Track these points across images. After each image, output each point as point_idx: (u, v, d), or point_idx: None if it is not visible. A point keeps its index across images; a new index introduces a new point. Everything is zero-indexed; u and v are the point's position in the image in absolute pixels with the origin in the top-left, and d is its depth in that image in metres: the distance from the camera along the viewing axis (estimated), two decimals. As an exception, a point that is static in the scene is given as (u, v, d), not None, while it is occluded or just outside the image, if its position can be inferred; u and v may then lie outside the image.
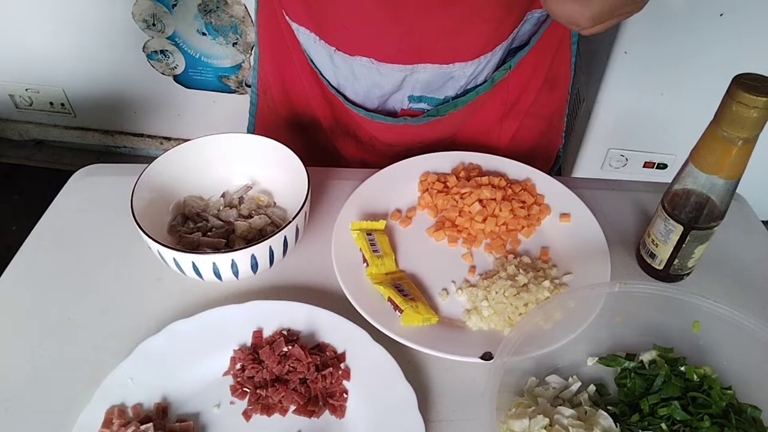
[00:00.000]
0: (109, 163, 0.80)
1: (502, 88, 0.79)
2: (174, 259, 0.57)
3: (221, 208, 0.70)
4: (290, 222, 0.60)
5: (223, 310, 0.58)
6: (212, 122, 1.95)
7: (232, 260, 0.58)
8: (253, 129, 0.91)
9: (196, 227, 0.67)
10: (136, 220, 0.58)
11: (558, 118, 0.88)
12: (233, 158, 0.72)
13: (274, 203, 0.72)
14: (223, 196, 0.72)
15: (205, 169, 0.71)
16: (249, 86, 0.92)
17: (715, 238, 0.61)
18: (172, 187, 0.69)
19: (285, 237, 0.60)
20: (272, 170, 0.71)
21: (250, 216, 0.70)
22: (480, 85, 0.76)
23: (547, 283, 0.62)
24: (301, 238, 0.65)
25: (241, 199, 0.72)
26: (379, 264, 0.64)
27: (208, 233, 0.67)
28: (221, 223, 0.68)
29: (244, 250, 0.57)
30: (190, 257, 0.57)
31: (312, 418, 0.53)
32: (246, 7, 1.64)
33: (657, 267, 0.65)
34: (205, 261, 0.57)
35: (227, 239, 0.67)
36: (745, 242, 0.72)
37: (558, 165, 0.94)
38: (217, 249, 0.64)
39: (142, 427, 0.50)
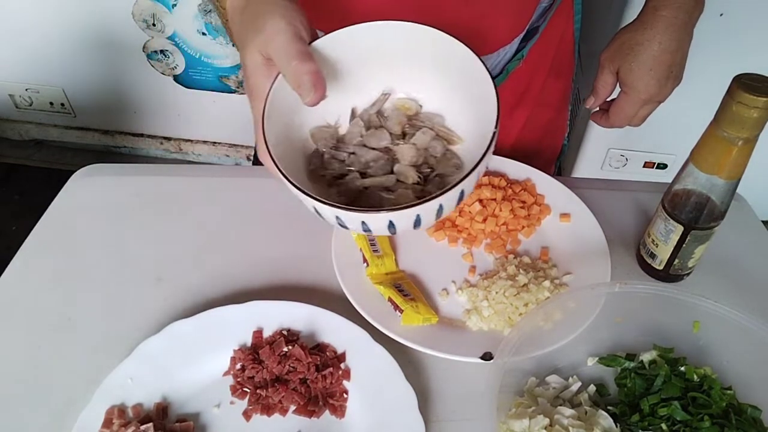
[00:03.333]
0: (109, 163, 0.80)
1: (512, 79, 0.80)
2: (363, 222, 0.45)
3: (363, 133, 0.53)
4: (493, 137, 0.44)
5: (223, 310, 0.58)
6: (212, 122, 1.95)
7: (417, 216, 0.44)
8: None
9: (345, 166, 0.52)
10: (294, 185, 0.44)
11: (564, 106, 0.89)
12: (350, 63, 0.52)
13: (420, 109, 0.55)
14: (352, 114, 0.55)
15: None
16: None
17: (715, 238, 0.61)
18: (291, 122, 0.51)
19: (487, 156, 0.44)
20: (406, 68, 0.53)
21: (404, 135, 0.53)
22: (495, 77, 0.77)
23: (547, 283, 0.62)
24: (301, 238, 0.65)
25: (380, 114, 0.54)
26: (379, 264, 0.64)
27: (368, 170, 0.51)
28: (377, 152, 0.52)
29: (453, 189, 0.43)
30: (385, 216, 0.43)
31: (312, 418, 0.53)
32: (246, 7, 1.64)
33: (657, 267, 0.65)
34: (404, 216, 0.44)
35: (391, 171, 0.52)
36: (745, 242, 0.72)
37: (564, 153, 0.95)
38: (388, 189, 0.50)
39: (142, 427, 0.50)
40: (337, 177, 0.51)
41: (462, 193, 0.45)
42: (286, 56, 0.44)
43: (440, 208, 0.45)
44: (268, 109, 0.47)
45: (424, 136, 0.52)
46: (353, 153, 0.52)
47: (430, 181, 0.52)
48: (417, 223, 0.45)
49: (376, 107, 0.54)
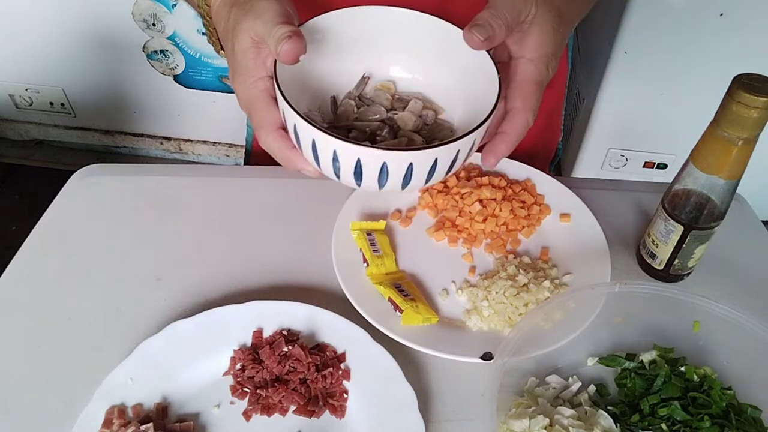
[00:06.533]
0: (109, 163, 0.80)
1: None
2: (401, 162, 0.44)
3: (355, 110, 0.53)
4: (497, 99, 0.46)
5: (223, 310, 0.58)
6: (212, 122, 1.95)
7: (436, 159, 0.45)
8: (252, 140, 0.91)
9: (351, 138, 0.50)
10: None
11: (556, 113, 0.89)
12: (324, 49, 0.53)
13: (396, 88, 0.56)
14: (334, 102, 0.54)
15: (302, 73, 0.51)
16: None
17: (715, 238, 0.61)
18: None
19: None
20: (384, 50, 0.54)
21: (393, 109, 0.54)
22: None
23: (547, 283, 0.62)
24: (301, 238, 0.65)
25: (363, 97, 0.55)
26: (379, 264, 0.64)
27: (377, 138, 0.51)
28: (378, 123, 0.52)
29: (466, 137, 0.44)
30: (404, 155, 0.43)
31: (312, 418, 0.53)
32: (246, 7, 1.64)
33: (657, 267, 0.65)
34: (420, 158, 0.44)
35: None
36: (745, 242, 0.72)
37: (558, 158, 0.94)
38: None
39: (142, 427, 0.50)
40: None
41: (471, 148, 0.46)
42: (271, 25, 0.44)
43: (436, 163, 0.45)
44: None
45: (417, 105, 0.53)
46: (353, 128, 0.51)
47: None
48: (408, 174, 0.45)
49: (358, 90, 0.55)
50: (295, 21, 0.47)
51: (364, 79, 0.55)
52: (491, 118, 0.46)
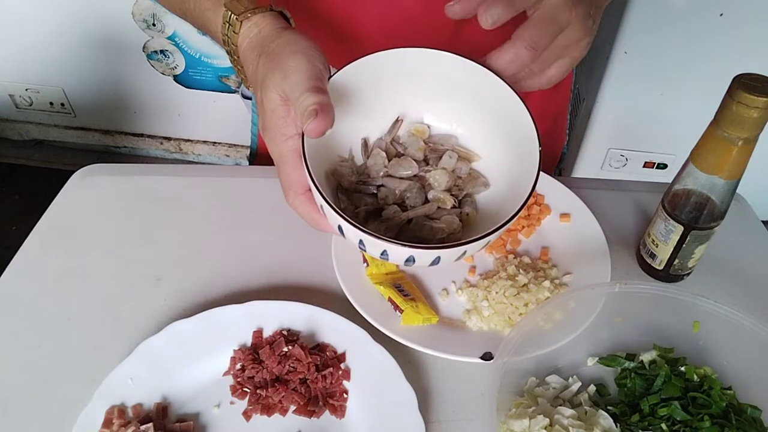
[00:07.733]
0: (109, 163, 0.80)
1: None
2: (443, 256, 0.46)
3: (386, 163, 0.52)
4: (537, 172, 0.47)
5: (223, 310, 0.58)
6: (212, 122, 1.95)
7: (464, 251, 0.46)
8: (256, 147, 0.91)
9: (380, 200, 0.51)
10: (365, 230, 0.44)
11: (562, 116, 0.89)
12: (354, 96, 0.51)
13: (430, 131, 0.54)
14: (365, 145, 0.53)
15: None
16: (248, 98, 0.90)
17: (715, 238, 0.61)
18: (316, 161, 0.48)
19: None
20: (414, 93, 0.52)
21: (426, 161, 0.52)
22: None
23: (547, 283, 0.62)
24: (301, 238, 0.65)
25: (395, 141, 0.53)
26: (379, 264, 0.64)
27: (406, 201, 0.51)
28: (407, 181, 0.51)
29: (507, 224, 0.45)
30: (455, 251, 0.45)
31: (312, 418, 0.53)
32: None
33: (657, 267, 0.65)
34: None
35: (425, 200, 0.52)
36: (745, 242, 0.72)
37: (563, 161, 0.94)
38: (430, 217, 0.51)
39: (142, 427, 0.50)
40: (371, 212, 0.51)
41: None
42: (299, 90, 0.44)
43: (487, 242, 0.46)
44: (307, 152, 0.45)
45: (451, 159, 0.52)
46: (382, 185, 0.51)
47: (464, 203, 0.53)
48: (461, 256, 0.47)
49: (390, 135, 0.54)
50: (325, 79, 0.46)
51: (398, 122, 0.54)
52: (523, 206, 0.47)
